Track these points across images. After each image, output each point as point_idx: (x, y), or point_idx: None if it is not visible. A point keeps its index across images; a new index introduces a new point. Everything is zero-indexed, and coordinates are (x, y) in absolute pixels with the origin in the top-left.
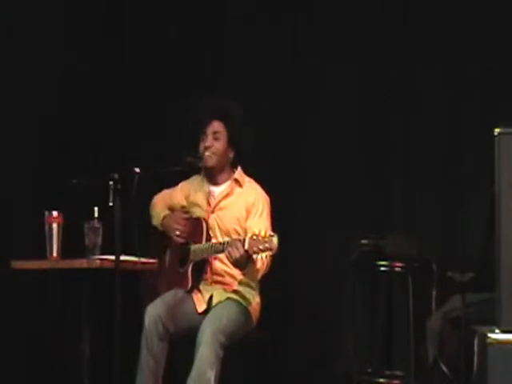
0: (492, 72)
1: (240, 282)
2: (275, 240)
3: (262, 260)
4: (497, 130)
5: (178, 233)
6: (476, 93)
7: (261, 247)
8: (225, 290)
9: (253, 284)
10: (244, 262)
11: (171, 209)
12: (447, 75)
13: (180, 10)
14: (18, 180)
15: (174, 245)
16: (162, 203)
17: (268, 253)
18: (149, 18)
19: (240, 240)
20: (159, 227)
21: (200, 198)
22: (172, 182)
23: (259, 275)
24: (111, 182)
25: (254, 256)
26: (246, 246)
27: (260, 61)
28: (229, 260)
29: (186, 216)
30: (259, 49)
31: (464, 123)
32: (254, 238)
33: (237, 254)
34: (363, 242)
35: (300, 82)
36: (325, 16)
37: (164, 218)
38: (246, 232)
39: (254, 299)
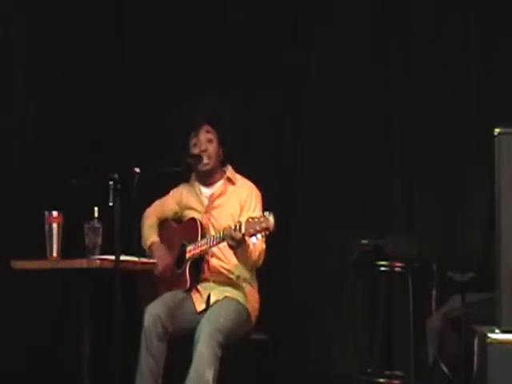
0: (492, 72)
1: (238, 278)
2: (271, 218)
3: (255, 241)
4: (497, 130)
5: (160, 268)
6: (476, 93)
7: (257, 228)
8: (224, 285)
9: (249, 278)
10: (240, 245)
11: (163, 219)
12: (447, 75)
13: (180, 10)
14: (18, 180)
15: (172, 245)
16: (153, 217)
17: (266, 232)
18: (149, 17)
19: (236, 225)
20: (146, 251)
21: (193, 201)
22: (172, 183)
23: (252, 257)
24: (111, 182)
25: (248, 240)
26: (243, 230)
27: (260, 61)
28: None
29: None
30: (259, 49)
31: (464, 123)
32: (250, 220)
33: (235, 238)
34: (363, 241)
35: (300, 82)
36: (325, 16)
37: (151, 244)
38: None
39: (253, 296)
